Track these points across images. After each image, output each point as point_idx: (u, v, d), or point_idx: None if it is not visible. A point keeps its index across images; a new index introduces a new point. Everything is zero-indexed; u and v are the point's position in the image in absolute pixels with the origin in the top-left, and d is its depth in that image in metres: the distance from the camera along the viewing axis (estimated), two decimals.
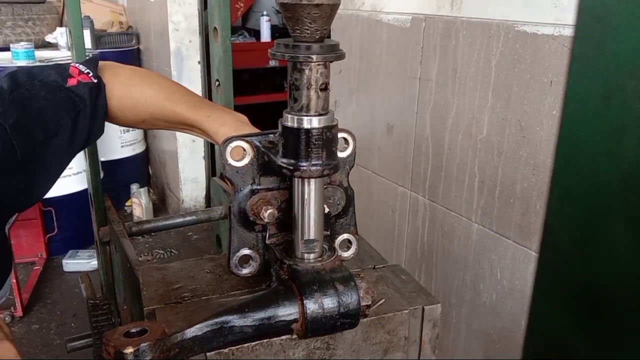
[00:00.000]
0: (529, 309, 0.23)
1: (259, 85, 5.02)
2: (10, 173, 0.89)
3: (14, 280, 2.87)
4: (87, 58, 1.10)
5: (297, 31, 0.69)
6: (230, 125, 1.00)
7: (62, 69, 1.02)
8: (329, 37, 0.72)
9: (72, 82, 1.00)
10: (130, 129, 4.20)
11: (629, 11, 0.18)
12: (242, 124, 1.01)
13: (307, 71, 0.70)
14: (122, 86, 1.07)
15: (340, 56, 0.71)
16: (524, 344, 0.26)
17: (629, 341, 0.20)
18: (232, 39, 1.66)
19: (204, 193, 4.15)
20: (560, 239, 0.21)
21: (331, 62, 0.71)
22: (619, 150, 0.20)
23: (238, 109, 1.26)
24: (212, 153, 3.89)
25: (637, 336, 0.20)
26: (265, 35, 5.12)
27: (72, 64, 1.03)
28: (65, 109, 0.97)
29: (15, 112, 0.90)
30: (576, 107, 0.21)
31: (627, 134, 0.19)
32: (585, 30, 0.20)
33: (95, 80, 1.02)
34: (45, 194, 1.00)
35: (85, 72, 1.02)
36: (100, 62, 1.10)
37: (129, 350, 0.62)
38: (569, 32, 1.19)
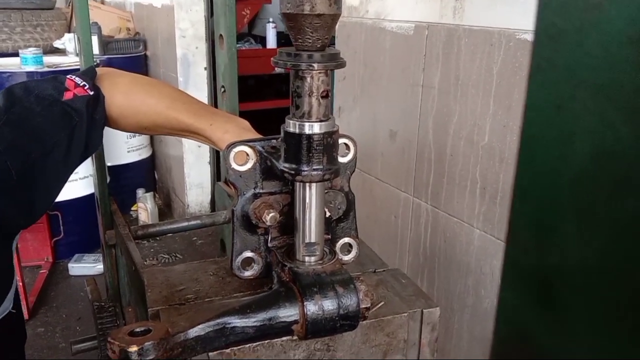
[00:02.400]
0: (497, 301, 0.25)
1: (265, 92, 5.05)
2: (6, 193, 0.90)
3: (20, 284, 2.89)
4: (84, 69, 1.10)
5: (299, 40, 0.71)
6: (233, 132, 1.01)
7: (58, 82, 1.02)
8: (333, 43, 0.74)
9: (68, 95, 1.00)
10: (137, 134, 4.24)
11: (576, 30, 0.20)
12: (244, 130, 1.03)
13: (308, 79, 0.72)
14: (122, 95, 1.07)
15: (341, 64, 0.73)
16: (493, 332, 0.27)
17: (577, 324, 0.21)
18: (238, 45, 1.69)
19: (209, 198, 4.17)
20: (521, 234, 0.22)
21: (332, 70, 0.73)
22: (569, 154, 0.21)
23: (243, 114, 1.28)
24: (218, 158, 3.91)
25: (581, 319, 0.21)
26: (271, 42, 5.16)
27: (68, 77, 1.03)
28: (61, 124, 0.98)
29: (10, 133, 0.91)
30: (533, 116, 0.23)
31: (575, 140, 0.21)
32: (540, 46, 0.22)
33: (92, 92, 1.02)
34: (47, 209, 1.00)
35: (82, 84, 1.02)
36: (99, 71, 1.10)
37: (133, 348, 0.64)
38: None
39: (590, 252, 0.20)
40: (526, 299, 0.23)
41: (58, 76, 1.04)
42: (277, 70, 4.89)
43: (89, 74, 1.06)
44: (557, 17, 0.20)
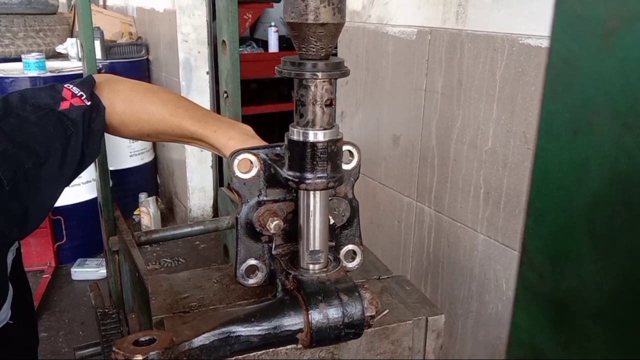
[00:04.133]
0: (509, 323, 0.25)
1: (267, 95, 5.05)
2: None
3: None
4: (82, 79, 1.09)
5: (303, 49, 0.70)
6: (237, 139, 1.01)
7: (55, 92, 1.00)
8: (335, 47, 0.74)
9: (64, 105, 0.98)
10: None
11: (592, 56, 0.20)
12: (248, 137, 1.03)
13: (312, 88, 0.72)
14: (123, 103, 1.06)
15: (345, 73, 0.73)
16: (505, 356, 0.27)
17: (592, 348, 0.21)
18: (240, 49, 1.68)
19: (211, 202, 4.18)
20: (536, 257, 0.22)
21: (336, 79, 0.73)
22: (585, 179, 0.21)
23: (246, 118, 1.28)
24: (220, 163, 3.91)
25: (597, 343, 0.21)
26: (273, 46, 5.16)
27: (65, 86, 1.02)
28: (55, 135, 0.96)
29: (2, 142, 0.90)
30: (548, 141, 0.23)
31: (591, 165, 0.21)
32: (555, 71, 0.22)
33: (89, 103, 1.01)
34: (41, 221, 0.98)
35: (79, 94, 1.00)
36: (99, 78, 1.09)
37: (138, 358, 0.63)
38: None
39: (607, 277, 0.20)
40: (541, 323, 0.23)
41: (55, 85, 1.02)
42: None
43: (87, 84, 1.04)
44: (573, 42, 0.20)
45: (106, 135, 1.23)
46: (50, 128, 0.96)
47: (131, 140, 4.16)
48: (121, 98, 1.07)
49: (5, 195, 0.88)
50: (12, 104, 0.96)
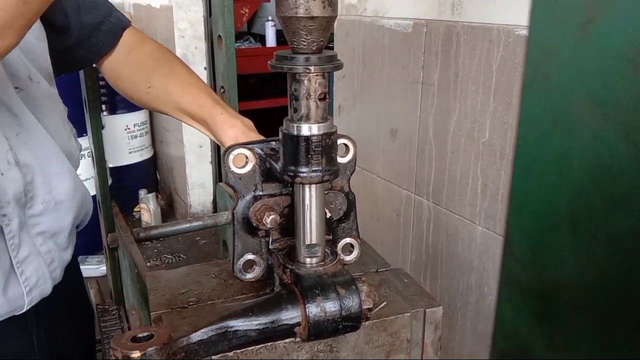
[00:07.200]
0: (494, 314, 0.25)
1: (265, 90, 5.05)
2: None
3: None
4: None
5: (295, 43, 0.70)
6: (238, 128, 1.03)
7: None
8: (331, 41, 0.73)
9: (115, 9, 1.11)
10: (138, 135, 4.24)
11: (572, 46, 0.20)
12: (249, 130, 1.04)
13: (305, 82, 0.72)
14: (154, 43, 1.18)
15: (338, 67, 0.73)
16: (491, 347, 0.27)
17: (575, 338, 0.21)
18: (237, 44, 1.68)
19: (211, 198, 4.17)
20: (518, 248, 0.22)
21: (329, 72, 0.73)
22: (566, 170, 0.21)
23: (244, 114, 1.28)
24: (219, 159, 3.91)
25: (580, 334, 0.21)
26: (271, 41, 5.15)
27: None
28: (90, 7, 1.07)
29: None
30: (529, 131, 0.23)
31: (572, 155, 0.21)
32: (534, 62, 0.22)
33: (129, 24, 1.12)
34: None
35: (128, 16, 1.15)
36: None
37: (136, 354, 0.64)
38: None
39: (588, 268, 0.20)
40: (525, 314, 0.23)
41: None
42: None
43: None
44: (552, 31, 0.20)
45: (104, 132, 1.23)
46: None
47: (130, 137, 4.15)
48: (156, 44, 1.18)
49: None
50: None
